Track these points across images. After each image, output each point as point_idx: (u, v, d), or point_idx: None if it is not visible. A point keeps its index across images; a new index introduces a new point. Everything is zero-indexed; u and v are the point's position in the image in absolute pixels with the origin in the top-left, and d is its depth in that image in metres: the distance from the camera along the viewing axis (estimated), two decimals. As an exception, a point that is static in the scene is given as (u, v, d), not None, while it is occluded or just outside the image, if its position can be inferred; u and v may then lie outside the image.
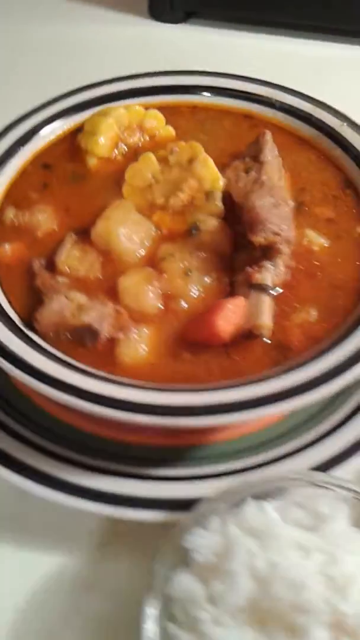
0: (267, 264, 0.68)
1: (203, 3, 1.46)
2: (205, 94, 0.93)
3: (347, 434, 0.66)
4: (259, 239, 0.68)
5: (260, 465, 0.65)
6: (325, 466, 0.63)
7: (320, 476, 0.59)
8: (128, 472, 0.67)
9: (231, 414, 0.58)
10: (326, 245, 0.74)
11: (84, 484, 0.65)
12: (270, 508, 0.56)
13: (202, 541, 0.54)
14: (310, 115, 0.87)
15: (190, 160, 0.80)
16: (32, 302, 0.70)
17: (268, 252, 0.69)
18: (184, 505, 0.62)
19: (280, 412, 0.59)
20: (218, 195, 0.76)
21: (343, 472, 0.62)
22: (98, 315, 0.67)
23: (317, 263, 0.72)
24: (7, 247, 0.75)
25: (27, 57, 1.42)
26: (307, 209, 0.78)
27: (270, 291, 0.67)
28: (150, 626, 0.52)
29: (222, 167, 0.82)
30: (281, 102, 0.90)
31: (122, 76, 0.94)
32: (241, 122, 0.92)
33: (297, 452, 0.66)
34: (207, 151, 0.82)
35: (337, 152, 0.84)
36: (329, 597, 0.48)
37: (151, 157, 0.81)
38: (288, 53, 1.40)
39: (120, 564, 0.63)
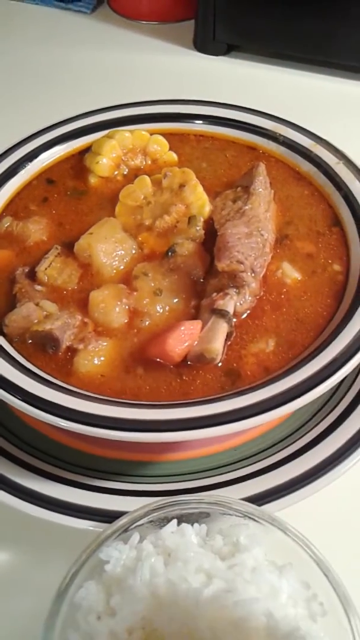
0: (232, 292, 0.69)
1: (245, 37, 1.50)
2: (212, 123, 0.95)
3: (286, 472, 0.66)
4: (222, 265, 0.69)
5: (197, 490, 0.66)
6: (257, 499, 0.63)
7: (248, 507, 0.59)
8: (72, 479, 0.68)
9: (167, 433, 0.60)
10: (299, 279, 0.74)
11: (29, 486, 0.67)
12: (190, 531, 0.57)
13: (116, 554, 0.55)
14: (310, 151, 0.88)
15: (181, 186, 0.82)
16: (8, 307, 0.73)
17: (234, 280, 0.70)
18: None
19: (221, 433, 0.59)
20: (199, 221, 0.78)
21: (274, 507, 0.62)
22: (62, 324, 0.70)
23: (286, 295, 0.72)
24: (-4, 253, 0.80)
25: (71, 78, 1.50)
26: (289, 242, 0.79)
27: (230, 319, 0.68)
28: (51, 630, 0.53)
29: (215, 195, 0.84)
30: (284, 137, 0.91)
31: (135, 102, 0.98)
32: (245, 154, 0.94)
33: (235, 483, 0.66)
34: (204, 179, 0.85)
35: (331, 189, 0.84)
36: (218, 625, 0.48)
37: (146, 179, 0.84)
38: (323, 90, 1.41)
39: (49, 567, 0.64)
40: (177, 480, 0.68)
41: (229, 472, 0.67)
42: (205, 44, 1.55)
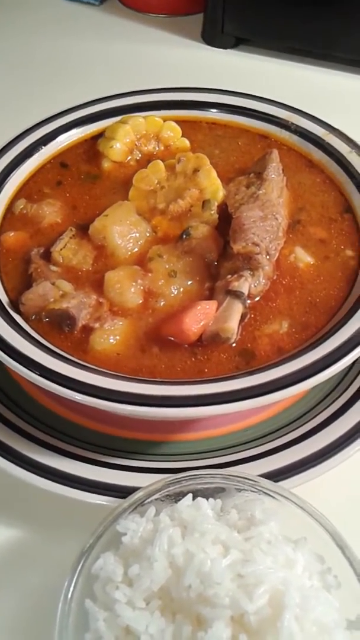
0: (247, 274, 0.70)
1: (253, 31, 1.50)
2: (225, 112, 0.96)
3: (300, 450, 0.67)
4: (238, 246, 0.70)
5: (212, 467, 0.66)
6: (271, 476, 0.64)
7: (263, 483, 0.60)
8: (86, 456, 0.69)
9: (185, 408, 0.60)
10: (312, 263, 0.75)
11: (44, 462, 0.67)
12: (206, 505, 0.57)
13: (133, 526, 0.56)
14: (322, 139, 0.89)
15: (195, 171, 0.83)
16: (24, 286, 0.74)
17: (249, 262, 0.71)
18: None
19: (236, 409, 0.60)
20: (214, 205, 0.79)
21: (288, 485, 0.63)
22: (78, 303, 0.70)
23: (299, 279, 0.73)
24: (11, 234, 0.80)
25: (78, 70, 1.50)
26: (301, 227, 0.80)
27: (245, 300, 0.69)
28: (69, 601, 0.53)
29: (228, 181, 0.85)
30: (297, 125, 0.92)
31: (148, 89, 0.99)
32: (257, 142, 0.94)
33: (249, 461, 0.66)
34: (217, 165, 0.86)
35: (343, 177, 0.85)
36: (235, 594, 0.48)
37: (160, 164, 0.84)
38: (331, 84, 1.42)
39: (66, 543, 0.65)
40: (191, 459, 0.68)
41: (243, 450, 0.68)
42: (214, 37, 1.55)
